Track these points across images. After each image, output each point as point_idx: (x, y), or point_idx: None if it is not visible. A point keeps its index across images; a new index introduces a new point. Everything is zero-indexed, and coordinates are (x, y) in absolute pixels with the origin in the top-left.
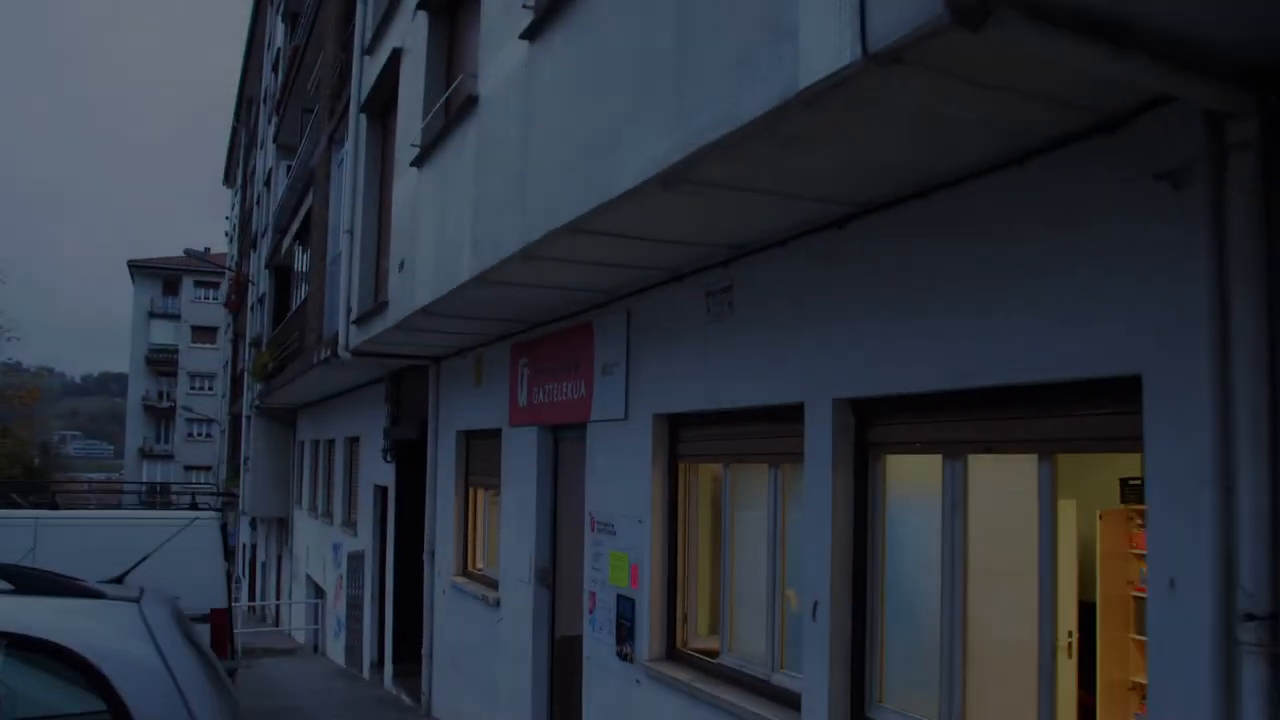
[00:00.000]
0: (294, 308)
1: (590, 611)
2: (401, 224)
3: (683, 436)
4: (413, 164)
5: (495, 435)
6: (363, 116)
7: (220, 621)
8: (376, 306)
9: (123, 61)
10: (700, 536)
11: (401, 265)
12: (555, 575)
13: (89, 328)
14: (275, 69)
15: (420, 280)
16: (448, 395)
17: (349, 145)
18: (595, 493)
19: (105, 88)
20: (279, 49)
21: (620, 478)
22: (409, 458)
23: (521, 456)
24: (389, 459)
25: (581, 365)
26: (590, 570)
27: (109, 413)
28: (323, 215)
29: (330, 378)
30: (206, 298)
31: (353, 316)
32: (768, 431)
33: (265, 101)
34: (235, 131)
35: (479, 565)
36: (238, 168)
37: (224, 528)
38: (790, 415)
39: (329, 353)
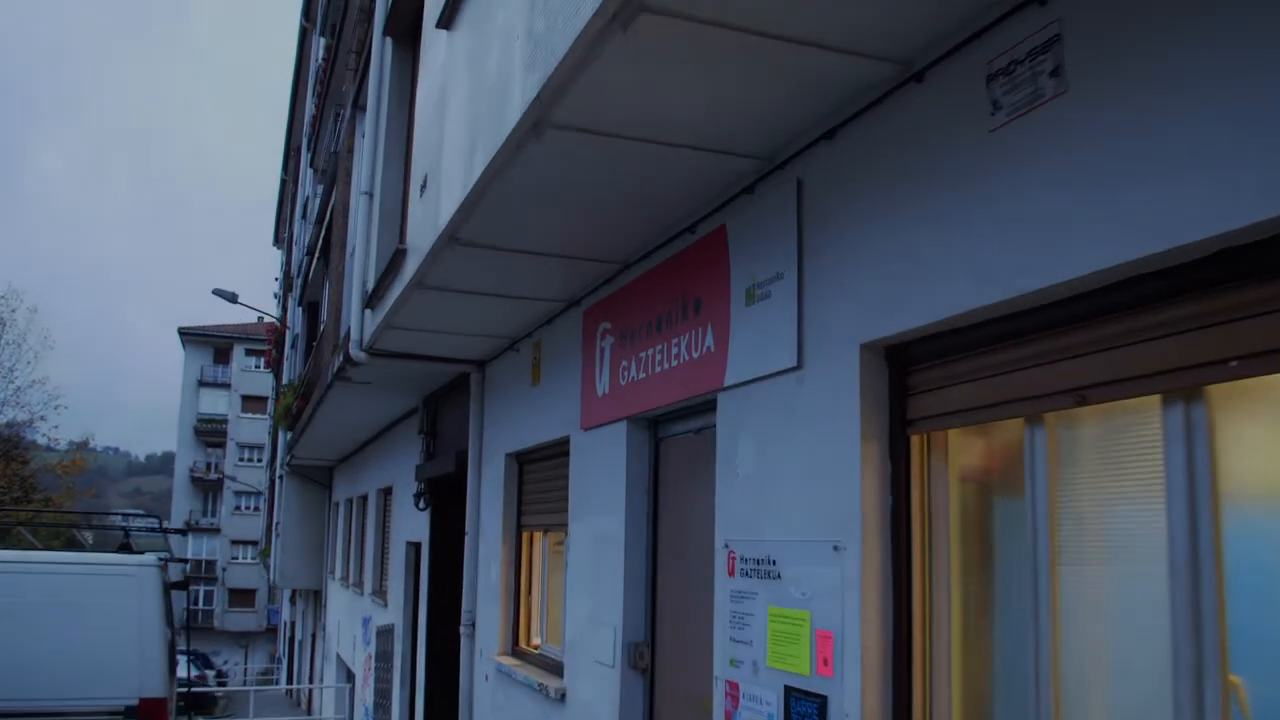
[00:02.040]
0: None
1: (728, 718)
2: (426, 132)
3: (918, 382)
4: (439, 25)
5: (561, 450)
6: (388, 42)
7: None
8: (392, 265)
9: (185, 142)
10: (960, 574)
11: (424, 185)
12: (654, 654)
13: (152, 407)
14: (316, 92)
15: (448, 185)
16: (494, 409)
17: (372, 81)
18: (737, 509)
19: (173, 167)
20: (318, 68)
21: (790, 475)
22: (446, 501)
23: (601, 471)
24: (423, 505)
25: (705, 301)
26: (727, 643)
27: (169, 490)
28: (344, 200)
29: (354, 405)
30: (257, 366)
31: (367, 291)
32: (1158, 325)
33: (306, 135)
34: (283, 185)
35: (535, 641)
36: (286, 224)
37: (174, 582)
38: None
39: (342, 360)
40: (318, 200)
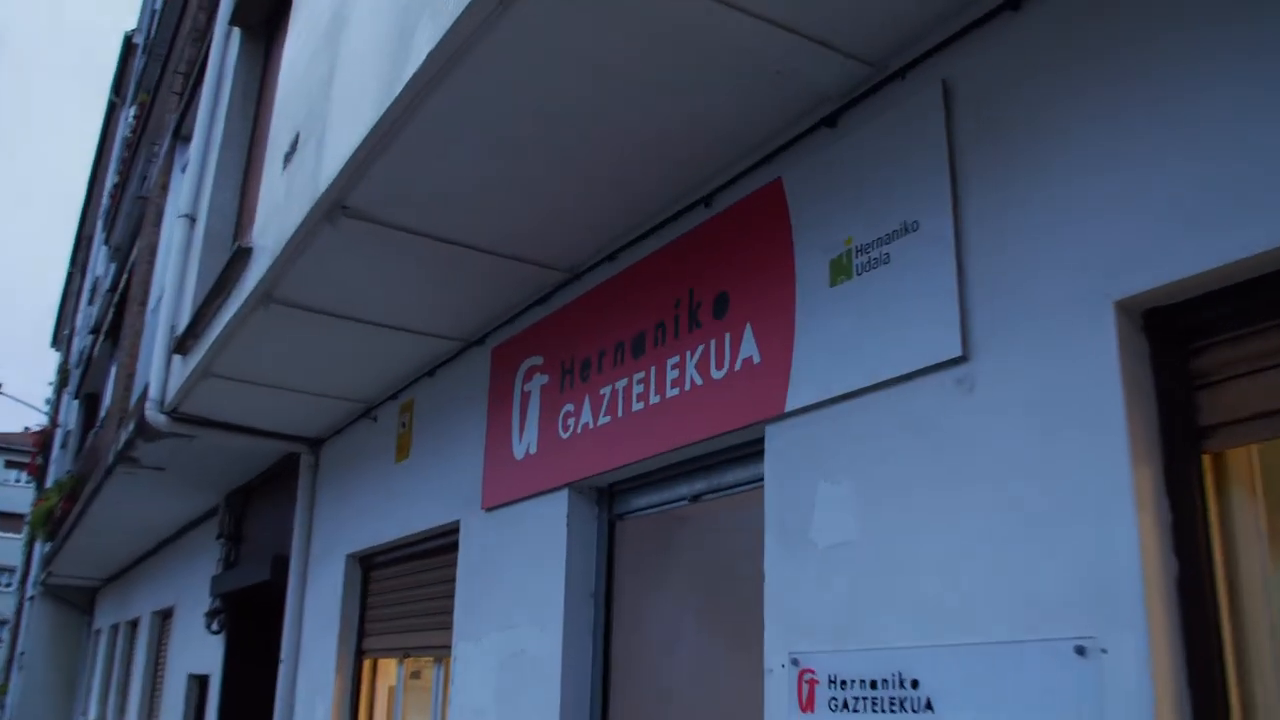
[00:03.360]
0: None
1: None
2: (301, 82)
3: (1209, 367)
4: None
5: (441, 544)
6: (234, 35)
7: None
8: (226, 276)
9: None
10: None
11: (293, 148)
12: None
13: None
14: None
15: (339, 129)
16: (333, 499)
17: (207, 90)
18: (814, 600)
19: None
20: (126, 133)
21: (950, 533)
22: (251, 621)
23: (519, 563)
24: (216, 627)
25: (734, 296)
26: None
27: None
28: (151, 244)
29: (137, 500)
30: (18, 480)
31: (177, 334)
32: None
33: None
34: (69, 280)
35: None
36: (69, 319)
37: None
38: None
39: (133, 431)
40: (110, 276)
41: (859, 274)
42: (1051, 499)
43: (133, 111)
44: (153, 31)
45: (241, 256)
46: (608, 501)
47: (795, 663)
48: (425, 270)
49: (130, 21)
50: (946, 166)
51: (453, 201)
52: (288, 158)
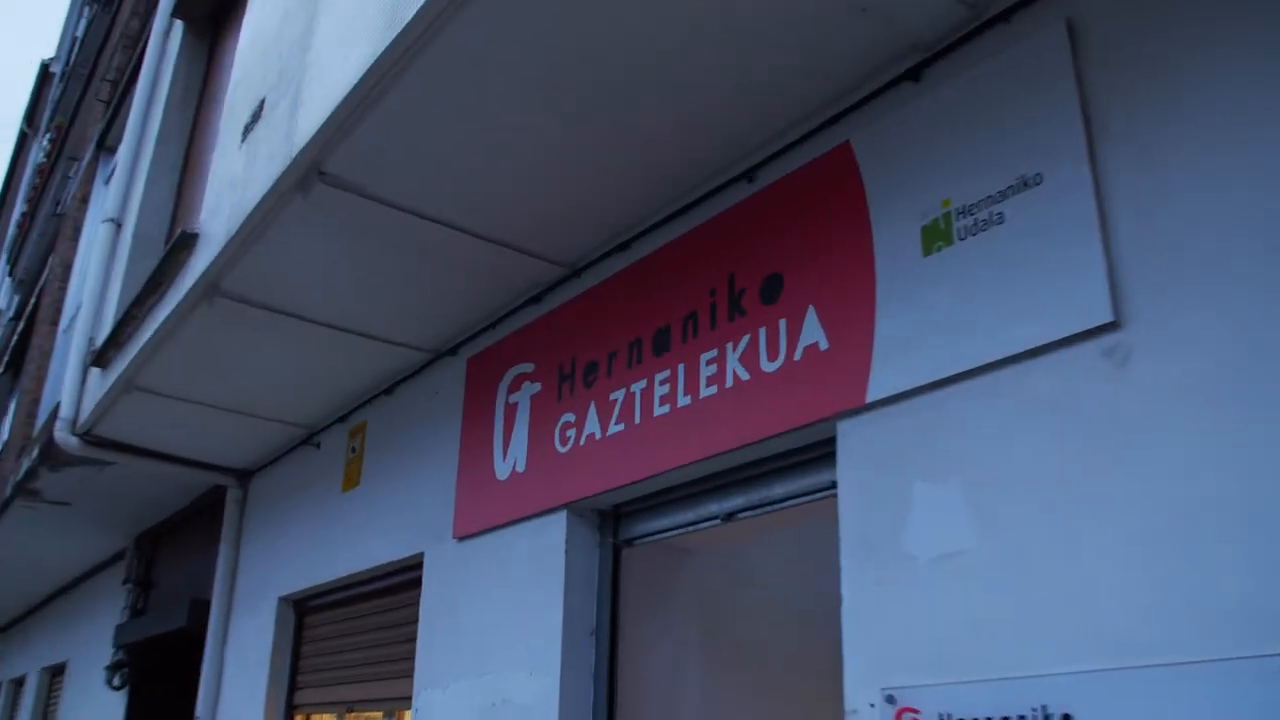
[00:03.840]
0: None
1: None
2: (273, 40)
3: None
4: None
5: (399, 581)
6: (176, 27)
7: None
8: (165, 268)
9: None
10: None
11: (256, 116)
12: None
13: None
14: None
15: (319, 84)
16: (263, 536)
17: (141, 87)
18: (910, 625)
19: None
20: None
21: (1128, 536)
22: (160, 675)
23: (501, 598)
24: (119, 683)
25: (790, 277)
26: None
27: None
28: (66, 260)
29: (32, 542)
30: None
31: (95, 347)
32: None
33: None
34: None
35: None
36: None
37: None
38: None
39: (37, 457)
40: (13, 306)
41: (963, 238)
42: (1244, 487)
43: (48, 137)
44: (73, 57)
45: (184, 244)
46: (612, 525)
47: (891, 700)
48: (402, 260)
49: (36, 55)
50: (1077, 113)
51: (448, 172)
52: (248, 129)
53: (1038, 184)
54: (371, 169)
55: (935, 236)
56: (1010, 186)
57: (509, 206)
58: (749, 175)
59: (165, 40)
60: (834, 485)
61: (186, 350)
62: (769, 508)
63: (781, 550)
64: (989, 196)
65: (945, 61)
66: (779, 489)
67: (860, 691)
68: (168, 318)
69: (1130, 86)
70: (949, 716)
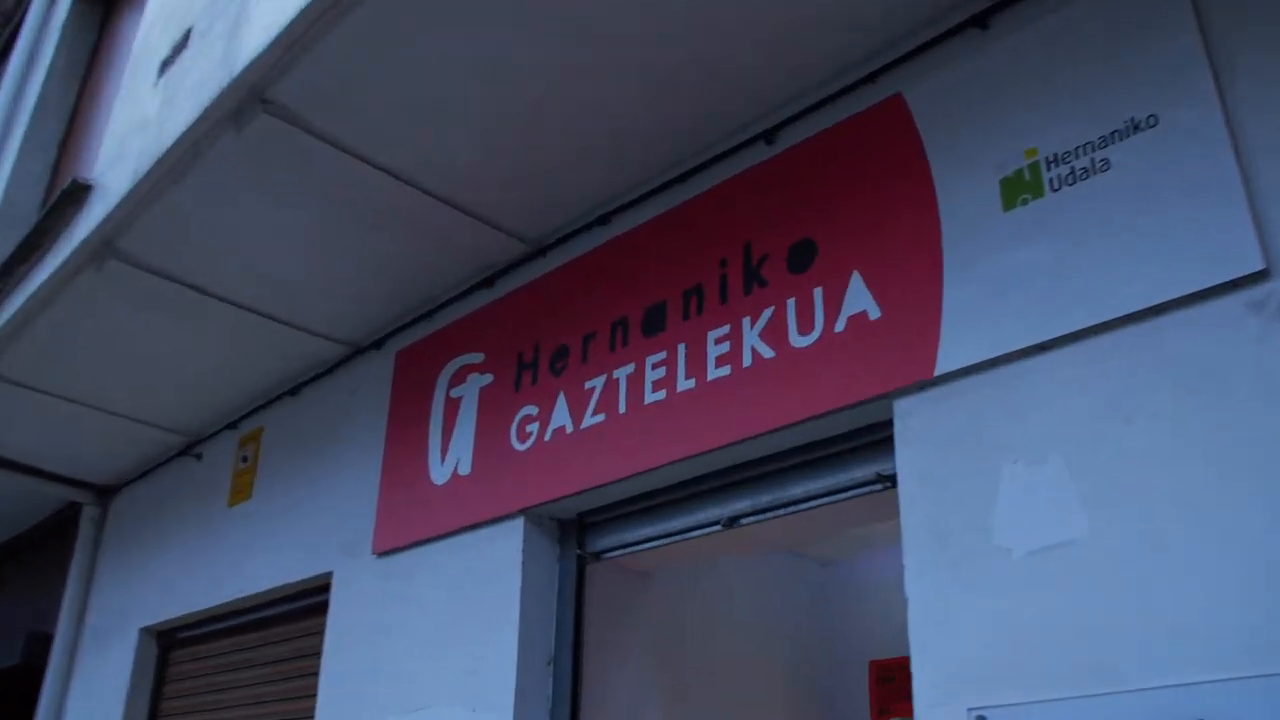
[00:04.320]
0: None
1: None
2: None
3: None
4: None
5: (295, 609)
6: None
7: None
8: (43, 230)
9: None
10: None
11: (179, 47)
12: None
13: None
14: None
15: None
16: (124, 559)
17: (19, 55)
18: (1014, 625)
19: None
20: None
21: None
22: None
23: (431, 627)
24: None
25: (824, 242)
26: None
27: None
28: None
29: None
30: None
31: None
32: None
33: None
34: None
35: None
36: None
37: None
38: None
39: None
40: None
41: (1056, 189)
42: None
43: None
44: None
45: (74, 197)
46: (575, 536)
47: None
48: (341, 219)
49: None
50: (1198, 48)
51: (411, 113)
52: (167, 64)
53: (1152, 126)
54: (323, 101)
55: (1019, 189)
56: (1116, 132)
57: (476, 167)
58: (767, 137)
59: (49, 12)
60: (875, 480)
61: (59, 328)
62: (788, 509)
63: (744, 576)
64: (1087, 144)
65: (1016, 6)
66: (800, 488)
67: (936, 713)
68: (44, 284)
69: (1260, 15)
70: None
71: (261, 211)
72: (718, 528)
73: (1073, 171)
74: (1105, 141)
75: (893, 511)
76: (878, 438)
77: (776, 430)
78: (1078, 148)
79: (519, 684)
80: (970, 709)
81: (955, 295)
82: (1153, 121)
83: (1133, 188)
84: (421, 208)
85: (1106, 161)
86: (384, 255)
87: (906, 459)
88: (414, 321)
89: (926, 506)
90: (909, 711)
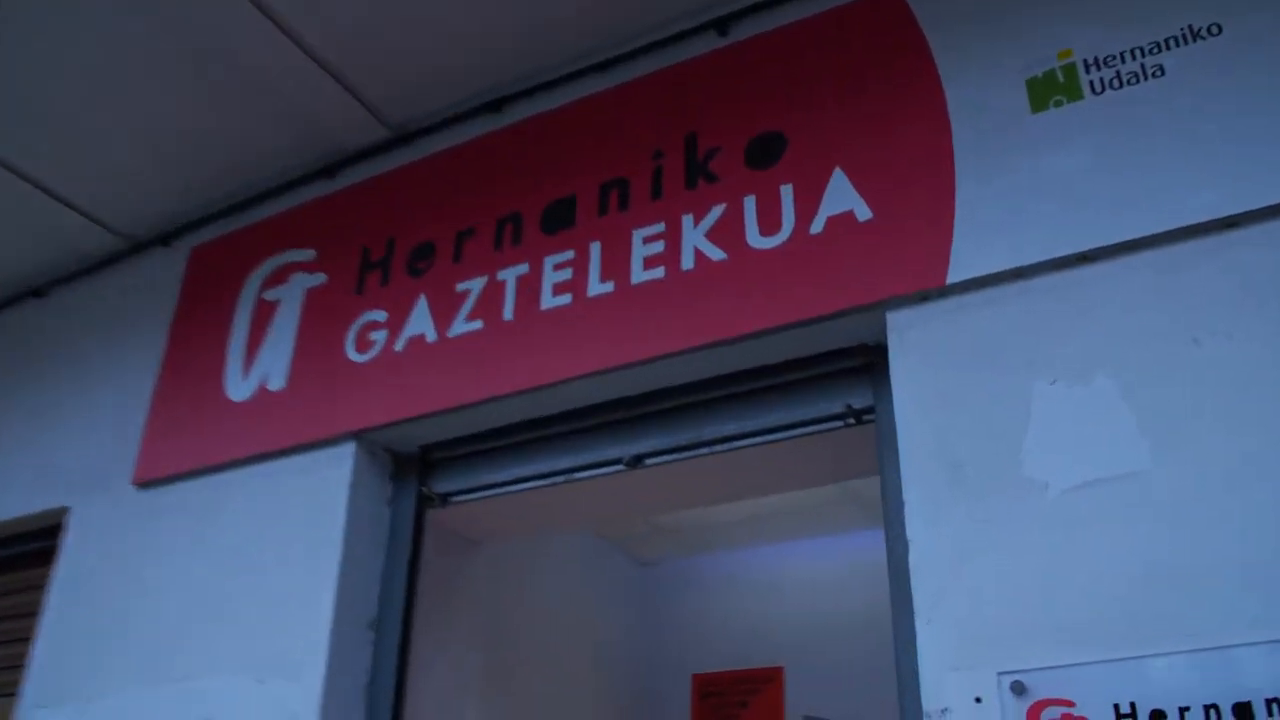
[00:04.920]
0: None
1: None
2: None
3: None
4: None
5: (6, 558)
6: None
7: None
8: None
9: None
10: None
11: None
12: None
13: None
14: None
15: None
16: None
17: None
18: (1054, 573)
19: None
20: None
21: None
22: None
23: (210, 576)
24: None
25: (793, 136)
26: None
27: None
28: None
29: None
30: None
31: None
32: None
33: None
34: None
35: None
36: None
37: None
38: None
39: None
40: None
41: (1098, 92)
42: None
43: None
44: None
45: None
46: (417, 474)
47: (1020, 690)
48: (143, 74)
49: None
50: None
51: None
52: None
53: (1215, 34)
54: None
55: (1051, 90)
56: (1171, 38)
57: (357, 24)
58: (719, 27)
59: None
60: (843, 415)
61: None
62: (703, 450)
63: (570, 568)
64: (1136, 49)
65: None
66: (730, 424)
67: (951, 680)
68: None
69: None
70: (1133, 707)
71: (50, 36)
72: (618, 467)
73: (1118, 75)
74: (1157, 47)
75: (843, 462)
76: (849, 365)
77: (725, 343)
78: (1123, 52)
79: (333, 649)
80: (1001, 673)
81: (971, 197)
82: (1215, 30)
83: (1193, 96)
84: (267, 62)
85: (1160, 68)
86: (197, 128)
87: (905, 378)
88: (220, 214)
89: (933, 432)
90: None
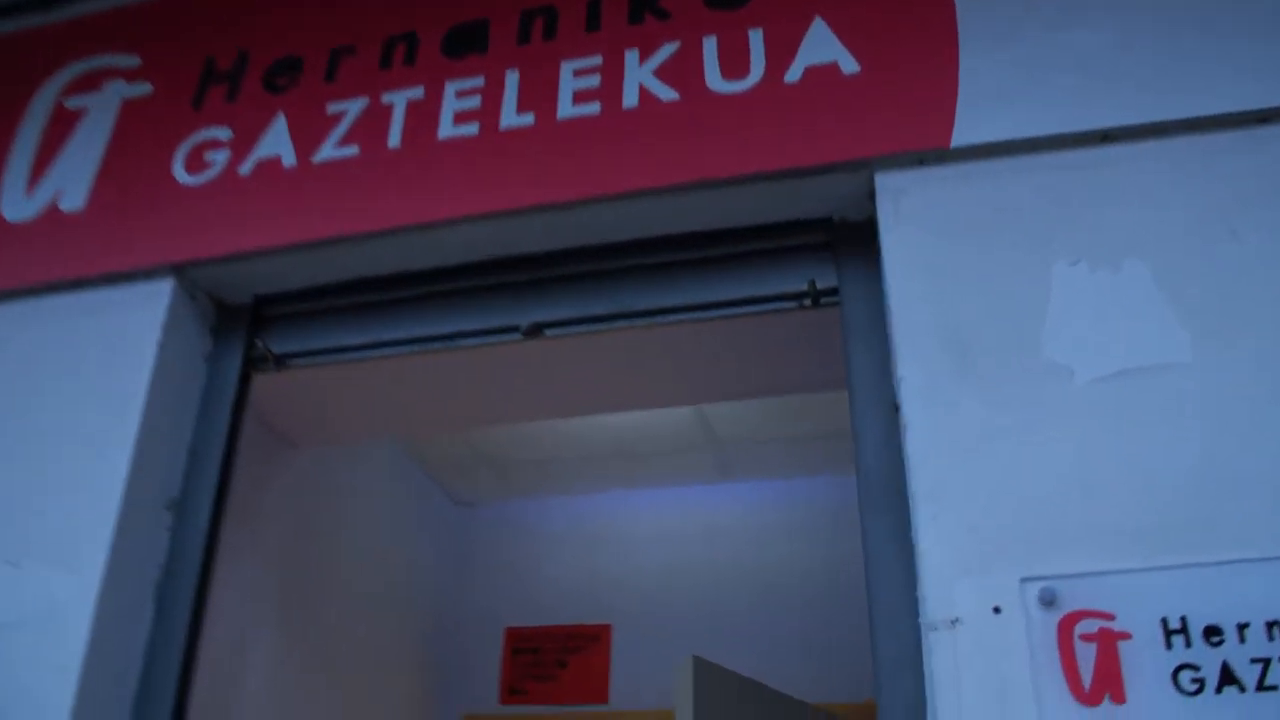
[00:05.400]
0: None
1: None
2: None
3: None
4: None
5: None
6: None
7: None
8: None
9: None
10: None
11: None
12: None
13: None
14: None
15: None
16: None
17: None
18: (1082, 470)
19: None
20: None
21: None
22: None
23: None
24: None
25: None
26: None
27: None
28: None
29: None
30: None
31: None
32: None
33: None
34: None
35: None
36: None
37: None
38: None
39: None
40: None
41: None
42: None
43: None
44: None
45: None
46: (246, 327)
47: (1049, 600)
48: None
49: None
50: None
51: None
52: None
53: None
54: None
55: None
56: None
57: None
58: None
59: None
60: (803, 294)
61: None
62: (621, 322)
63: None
64: None
65: None
66: (663, 296)
67: (963, 586)
68: None
69: None
70: (1183, 622)
71: None
72: (513, 335)
73: None
74: None
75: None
76: (808, 241)
77: (671, 190)
78: None
79: (119, 531)
80: (1025, 579)
81: (976, 62)
82: None
83: None
84: None
85: None
86: None
87: (900, 248)
88: (17, 6)
89: (932, 310)
90: (554, 694)
